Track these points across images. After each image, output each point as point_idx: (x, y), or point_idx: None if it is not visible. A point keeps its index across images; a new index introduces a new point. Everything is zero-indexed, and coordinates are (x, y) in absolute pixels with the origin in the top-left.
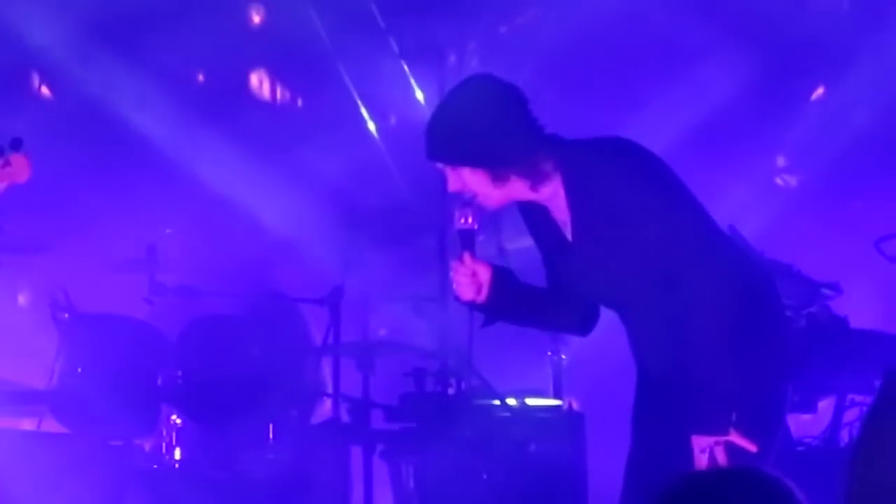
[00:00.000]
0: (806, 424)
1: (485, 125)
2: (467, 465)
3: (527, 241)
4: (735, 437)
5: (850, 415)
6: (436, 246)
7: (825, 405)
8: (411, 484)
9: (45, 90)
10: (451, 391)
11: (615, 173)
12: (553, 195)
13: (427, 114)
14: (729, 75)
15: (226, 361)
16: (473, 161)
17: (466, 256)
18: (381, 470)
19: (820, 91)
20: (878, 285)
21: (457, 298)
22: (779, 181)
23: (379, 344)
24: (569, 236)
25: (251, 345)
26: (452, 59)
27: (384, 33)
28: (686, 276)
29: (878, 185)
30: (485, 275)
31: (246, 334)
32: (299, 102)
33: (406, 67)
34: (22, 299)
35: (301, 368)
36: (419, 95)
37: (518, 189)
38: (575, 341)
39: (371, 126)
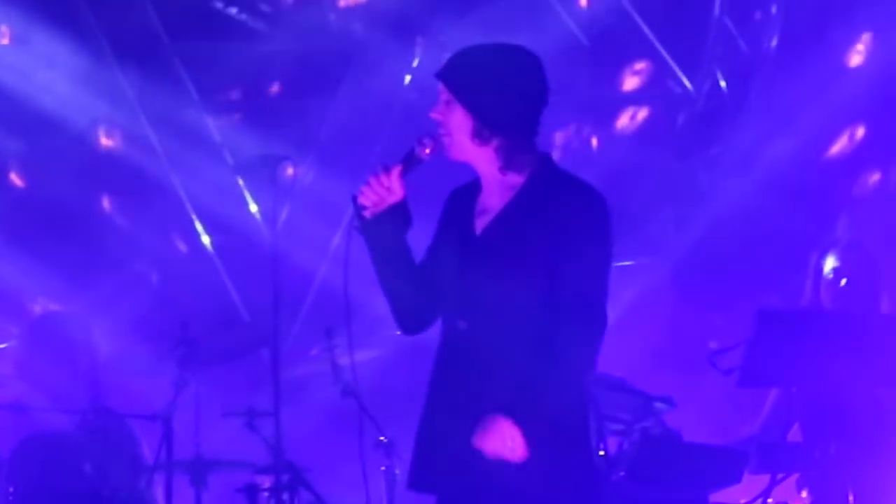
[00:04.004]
0: None
1: (509, 84)
2: None
3: (359, 357)
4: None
5: None
6: (269, 360)
7: None
8: None
9: None
10: None
11: (581, 202)
12: (505, 183)
13: (261, 228)
14: None
15: (58, 478)
16: (476, 107)
17: (396, 170)
18: None
19: None
20: (711, 399)
21: (354, 198)
22: None
23: (212, 460)
24: (478, 229)
25: (83, 461)
26: (289, 171)
27: (219, 147)
28: (569, 318)
29: (711, 297)
30: (395, 197)
31: (78, 451)
32: (134, 217)
33: (241, 181)
34: None
35: (133, 485)
36: (253, 209)
37: (486, 159)
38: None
39: (205, 239)
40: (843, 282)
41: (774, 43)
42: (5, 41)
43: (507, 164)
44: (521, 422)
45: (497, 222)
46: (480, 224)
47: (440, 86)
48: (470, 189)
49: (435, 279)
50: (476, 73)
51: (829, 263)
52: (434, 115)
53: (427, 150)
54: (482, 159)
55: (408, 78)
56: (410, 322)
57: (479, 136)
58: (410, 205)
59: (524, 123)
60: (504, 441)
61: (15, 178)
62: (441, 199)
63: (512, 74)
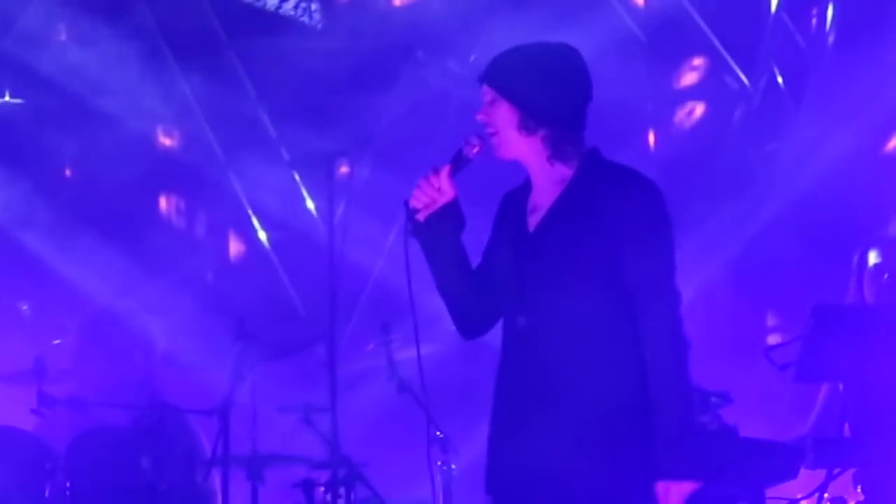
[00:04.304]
0: None
1: (551, 75)
2: None
3: (414, 352)
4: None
5: None
6: (326, 356)
7: None
8: None
9: None
10: (341, 502)
11: (634, 190)
12: (554, 177)
13: (318, 224)
14: None
15: (114, 473)
16: (520, 98)
17: (445, 170)
18: None
19: None
20: (768, 394)
21: (406, 203)
22: None
23: (268, 455)
24: (531, 226)
25: (140, 456)
26: (343, 169)
27: (275, 144)
28: (646, 308)
29: (768, 293)
30: (446, 198)
31: (135, 446)
32: (190, 214)
33: (297, 177)
34: None
35: (190, 480)
36: (310, 205)
37: (534, 150)
38: (465, 453)
39: (262, 236)
40: (886, 277)
41: (832, 38)
42: (62, 37)
43: (554, 154)
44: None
45: (549, 218)
46: (533, 221)
47: (483, 88)
48: (522, 190)
49: (493, 281)
50: (517, 67)
51: (872, 259)
52: (479, 117)
53: (475, 149)
54: (530, 152)
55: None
56: (470, 325)
57: (526, 127)
58: (463, 207)
59: (568, 113)
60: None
61: (72, 176)
62: (495, 201)
63: (553, 66)
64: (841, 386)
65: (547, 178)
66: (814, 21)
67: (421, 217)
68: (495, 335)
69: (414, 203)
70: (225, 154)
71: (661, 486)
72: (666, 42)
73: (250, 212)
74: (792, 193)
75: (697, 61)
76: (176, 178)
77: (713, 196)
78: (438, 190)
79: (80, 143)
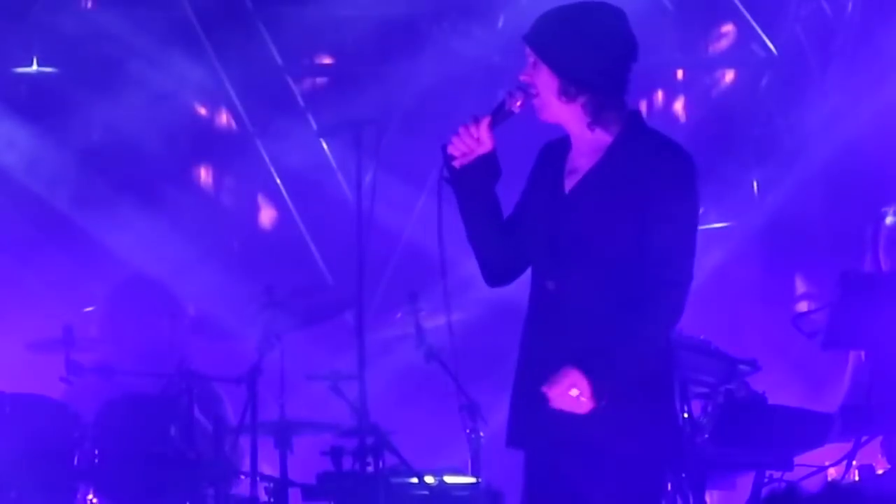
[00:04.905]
0: (725, 500)
1: (592, 42)
2: None
3: (443, 319)
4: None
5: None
6: (353, 324)
7: (743, 481)
8: None
9: None
10: (369, 469)
11: (670, 162)
12: (594, 143)
13: (345, 192)
14: None
15: (143, 441)
16: (560, 65)
17: (486, 121)
18: None
19: None
20: (796, 362)
21: (443, 148)
22: None
23: (296, 422)
24: (567, 187)
25: (168, 424)
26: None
27: (303, 111)
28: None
29: (796, 260)
30: (484, 148)
31: (163, 414)
32: (218, 181)
33: (325, 146)
34: None
35: (218, 447)
36: (339, 175)
37: (574, 116)
38: (493, 420)
39: (290, 204)
40: None
41: (856, 5)
42: (89, 5)
43: (595, 121)
44: (593, 373)
45: (585, 182)
46: (569, 183)
47: (527, 49)
48: (561, 146)
49: (522, 234)
50: (557, 31)
51: (889, 222)
52: (523, 78)
53: (518, 103)
54: (571, 118)
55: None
56: (496, 274)
57: (566, 93)
58: (501, 160)
59: (609, 79)
60: (569, 390)
61: (101, 143)
62: (531, 156)
63: (593, 30)
64: (863, 355)
65: (586, 143)
66: None
67: (457, 164)
68: (523, 297)
69: (452, 150)
70: (253, 122)
71: (574, 373)
72: (693, 10)
73: (278, 180)
74: (819, 160)
75: (724, 28)
76: (204, 145)
77: (741, 163)
78: (477, 140)
79: (109, 111)
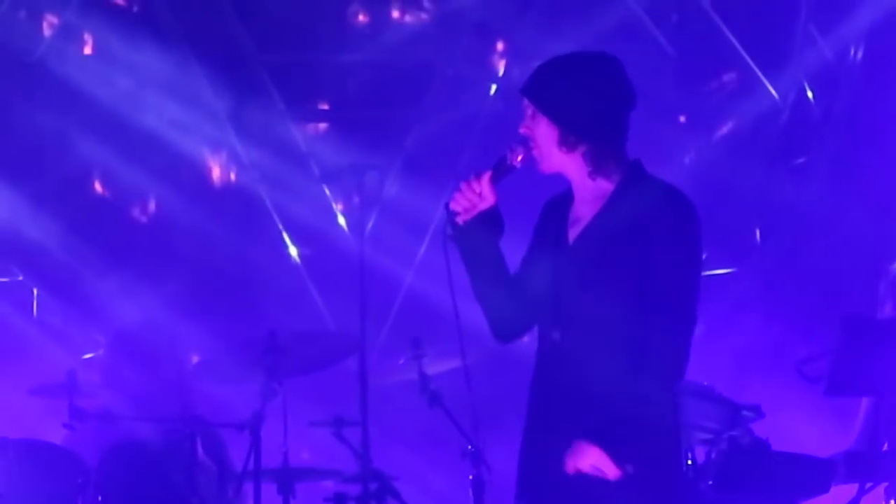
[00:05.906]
0: None
1: (589, 89)
2: None
3: (446, 365)
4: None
5: None
6: (356, 370)
7: None
8: None
9: None
10: None
11: (672, 209)
12: (596, 191)
13: (348, 238)
14: None
15: (146, 487)
16: (558, 114)
17: (487, 177)
18: None
19: None
20: (800, 408)
21: (446, 205)
22: None
23: (299, 469)
24: (571, 237)
25: (171, 471)
26: (373, 181)
27: (305, 157)
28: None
29: (799, 306)
30: (486, 203)
31: (166, 460)
32: (220, 228)
33: (327, 191)
34: None
35: (222, 494)
36: (340, 218)
37: (575, 166)
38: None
39: (292, 249)
40: None
41: (860, 52)
42: (87, 50)
43: (595, 170)
44: (611, 443)
45: (588, 231)
46: (573, 233)
47: (525, 101)
48: (564, 198)
49: (530, 288)
50: (555, 81)
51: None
52: (522, 131)
53: (519, 158)
54: (571, 167)
55: (493, 88)
56: (504, 330)
57: (566, 143)
58: (504, 215)
59: (608, 127)
60: (591, 467)
61: (98, 187)
62: (535, 210)
63: (591, 79)
64: (880, 399)
65: (588, 192)
66: (842, 34)
67: (460, 220)
68: (528, 346)
69: (454, 206)
70: (254, 166)
71: (594, 451)
72: (696, 56)
73: (280, 226)
74: (822, 206)
75: (727, 75)
76: (205, 191)
77: (744, 209)
78: (479, 195)
79: (109, 158)
